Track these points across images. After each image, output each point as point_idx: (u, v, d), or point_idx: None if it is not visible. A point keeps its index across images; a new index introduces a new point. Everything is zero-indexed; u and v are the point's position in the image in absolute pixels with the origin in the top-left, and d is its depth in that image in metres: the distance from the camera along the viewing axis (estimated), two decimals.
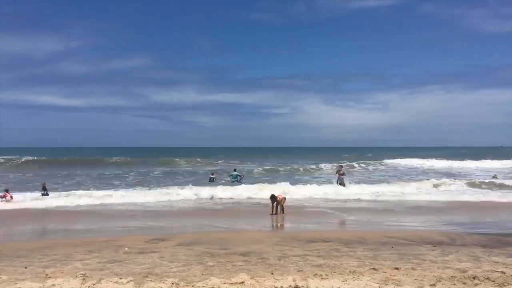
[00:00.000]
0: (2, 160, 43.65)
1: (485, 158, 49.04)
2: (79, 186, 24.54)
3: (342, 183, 22.37)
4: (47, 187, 20.19)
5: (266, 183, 22.74)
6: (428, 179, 25.64)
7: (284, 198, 15.71)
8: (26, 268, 7.22)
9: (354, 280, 5.97)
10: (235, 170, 29.30)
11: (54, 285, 5.83)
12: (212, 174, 29.65)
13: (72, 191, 20.49)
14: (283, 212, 15.18)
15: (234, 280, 5.93)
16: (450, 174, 33.10)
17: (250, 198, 19.28)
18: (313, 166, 38.47)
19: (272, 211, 15.17)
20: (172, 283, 5.85)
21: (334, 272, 6.60)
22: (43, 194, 19.36)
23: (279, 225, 13.00)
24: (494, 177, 28.26)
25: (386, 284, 5.77)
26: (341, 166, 24.88)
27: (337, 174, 23.40)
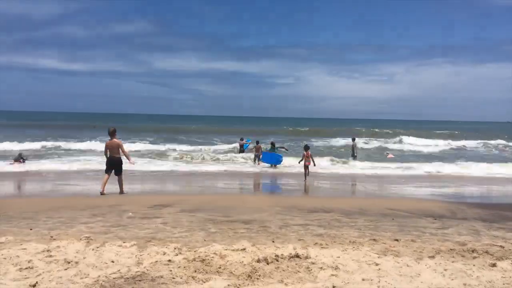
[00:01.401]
0: None
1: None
2: None
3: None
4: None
5: None
6: None
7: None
8: (31, 229, 7.35)
9: (354, 250, 6.04)
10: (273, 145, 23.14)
11: (59, 246, 5.94)
12: (242, 139, 25.40)
13: None
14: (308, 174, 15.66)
15: (235, 246, 6.01)
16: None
17: None
18: None
19: (305, 177, 15.63)
20: (175, 248, 5.94)
21: (334, 241, 6.68)
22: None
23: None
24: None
25: (385, 255, 5.85)
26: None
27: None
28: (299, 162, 16.69)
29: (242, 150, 24.81)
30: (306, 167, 15.76)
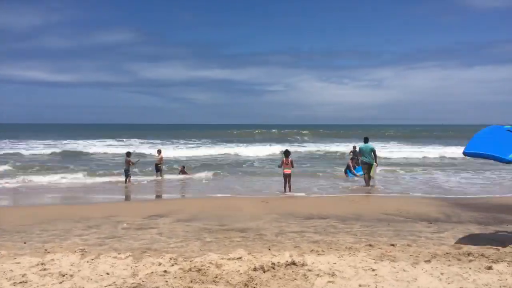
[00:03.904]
0: None
1: None
2: None
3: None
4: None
5: None
6: None
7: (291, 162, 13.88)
8: (25, 243, 7.27)
9: (350, 256, 6.04)
10: (367, 141, 15.60)
11: (53, 259, 5.88)
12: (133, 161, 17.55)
13: None
14: (290, 190, 13.78)
15: (232, 255, 5.99)
16: None
17: None
18: None
19: (285, 188, 13.81)
20: (171, 259, 5.91)
21: (330, 248, 6.68)
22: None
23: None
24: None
25: (382, 260, 5.85)
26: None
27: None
28: (279, 166, 14.50)
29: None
30: (286, 176, 13.91)
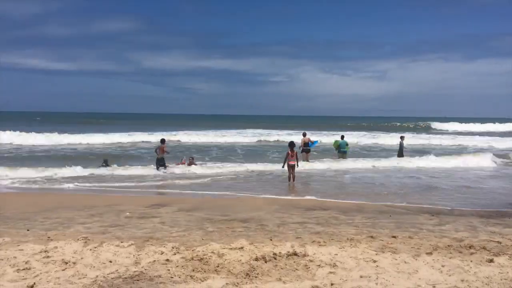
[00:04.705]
0: None
1: None
2: None
3: None
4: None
5: None
6: None
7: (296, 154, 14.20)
8: (28, 230, 7.32)
9: (351, 247, 6.06)
10: (343, 138, 21.79)
11: (56, 247, 5.92)
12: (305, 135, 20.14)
13: None
14: (293, 180, 13.93)
15: (233, 245, 6.01)
16: None
17: None
18: None
19: (289, 178, 13.93)
20: (173, 247, 5.94)
21: (332, 239, 6.69)
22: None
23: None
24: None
25: (383, 252, 5.86)
26: None
27: None
28: (282, 167, 14.50)
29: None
30: (290, 167, 14.07)
